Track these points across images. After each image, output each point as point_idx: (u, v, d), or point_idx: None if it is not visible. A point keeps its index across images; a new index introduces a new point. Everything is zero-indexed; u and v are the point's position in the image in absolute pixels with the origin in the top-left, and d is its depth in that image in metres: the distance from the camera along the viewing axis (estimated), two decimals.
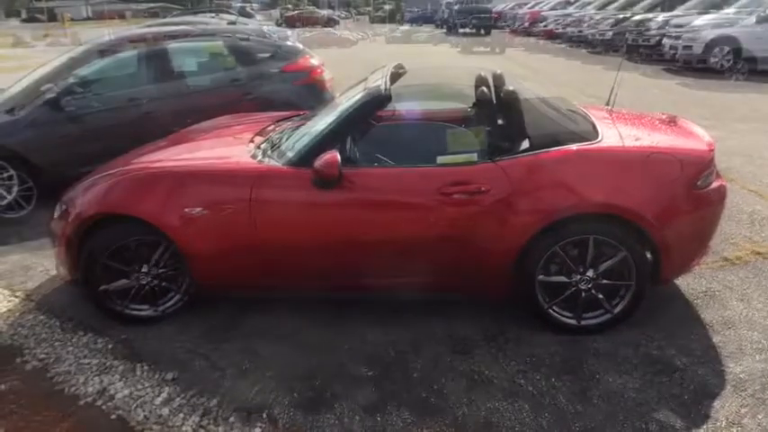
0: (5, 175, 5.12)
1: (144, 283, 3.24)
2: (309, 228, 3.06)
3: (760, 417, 2.51)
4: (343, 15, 63.47)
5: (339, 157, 2.92)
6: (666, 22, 14.38)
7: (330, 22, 47.27)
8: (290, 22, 43.00)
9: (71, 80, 5.55)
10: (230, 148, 3.67)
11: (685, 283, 3.60)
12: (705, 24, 13.03)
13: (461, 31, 29.90)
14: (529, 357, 2.95)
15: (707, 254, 3.36)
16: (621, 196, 2.93)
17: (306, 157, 3.03)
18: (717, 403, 2.60)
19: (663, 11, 16.73)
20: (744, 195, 5.08)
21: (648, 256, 3.02)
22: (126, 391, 2.75)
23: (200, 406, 2.65)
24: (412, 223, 3.01)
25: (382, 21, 54.82)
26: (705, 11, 14.65)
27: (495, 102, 3.83)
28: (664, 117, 3.70)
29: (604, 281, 3.04)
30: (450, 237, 2.98)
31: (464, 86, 4.17)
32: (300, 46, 6.60)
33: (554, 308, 3.10)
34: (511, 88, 3.39)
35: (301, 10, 56.70)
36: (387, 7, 62.21)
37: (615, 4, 19.77)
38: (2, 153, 5.06)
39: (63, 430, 2.54)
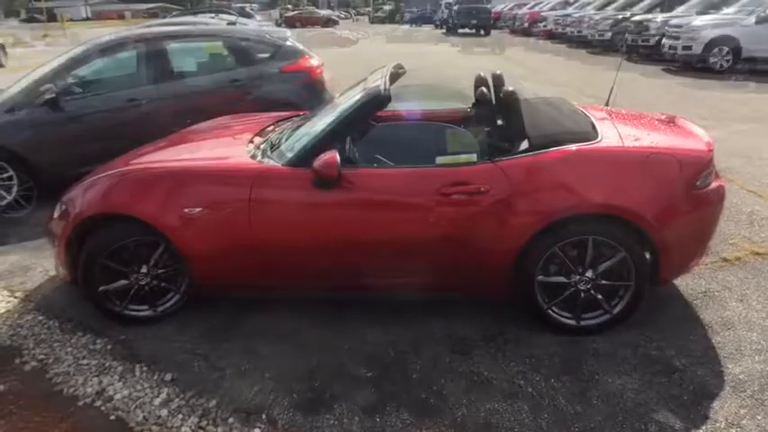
0: (5, 175, 5.13)
1: (143, 283, 3.24)
2: (309, 228, 3.06)
3: (759, 417, 2.51)
4: (342, 16, 63.50)
5: (338, 157, 2.91)
6: (666, 23, 14.38)
7: (330, 23, 47.29)
8: (290, 23, 43.04)
9: (70, 80, 5.56)
10: (230, 148, 3.67)
11: (684, 283, 3.60)
12: (704, 24, 13.03)
13: (461, 31, 29.91)
14: (528, 358, 2.95)
15: (706, 254, 3.36)
16: (621, 197, 2.93)
17: (305, 158, 3.03)
18: (716, 404, 2.60)
19: (662, 11, 16.73)
20: (743, 196, 5.08)
21: (647, 256, 3.02)
22: (125, 392, 2.75)
23: (200, 407, 2.65)
24: (411, 224, 3.00)
25: (382, 21, 54.87)
26: (705, 11, 14.66)
27: (494, 102, 3.84)
28: (663, 117, 3.70)
29: (603, 281, 3.04)
30: (450, 237, 2.98)
31: (463, 87, 4.18)
32: (300, 46, 6.59)
33: (553, 308, 3.10)
34: (510, 89, 3.39)
35: (301, 10, 56.77)
36: (386, 7, 62.23)
37: (614, 5, 19.75)
38: (1, 153, 5.07)
39: (62, 431, 2.54)
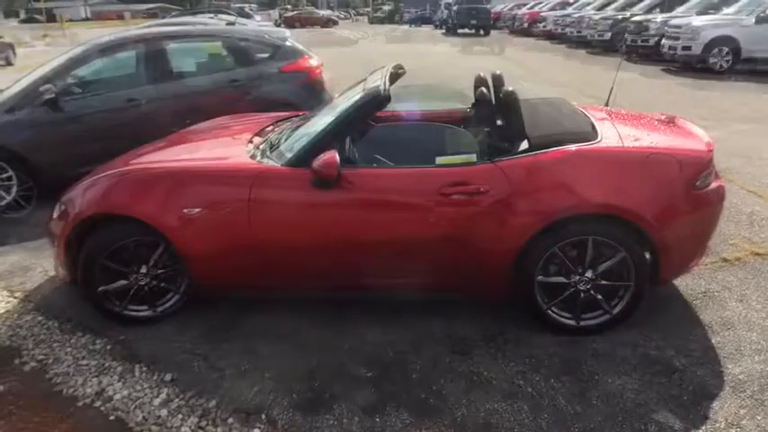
0: (5, 175, 5.12)
1: (143, 283, 3.24)
2: (308, 228, 3.06)
3: (759, 418, 2.51)
4: (342, 16, 63.54)
5: (338, 157, 2.91)
6: (665, 23, 14.38)
7: (329, 23, 47.31)
8: (289, 23, 43.05)
9: (70, 80, 5.56)
10: (229, 148, 3.66)
11: (684, 283, 3.60)
12: (704, 25, 13.03)
13: (460, 31, 29.91)
14: (528, 358, 2.95)
15: (706, 254, 3.36)
16: (620, 197, 2.93)
17: (304, 158, 3.03)
18: (716, 404, 2.60)
19: (662, 11, 16.74)
20: (743, 196, 5.08)
21: (647, 256, 3.02)
22: (124, 392, 2.75)
23: (199, 407, 2.65)
24: (411, 224, 3.00)
25: (381, 21, 54.89)
26: (704, 11, 14.67)
27: (494, 102, 3.83)
28: (663, 117, 3.70)
29: (603, 281, 3.04)
30: (450, 237, 2.98)
31: (463, 87, 4.18)
32: (300, 46, 6.59)
33: (553, 308, 3.10)
34: (510, 89, 3.39)
35: (300, 10, 56.81)
36: (386, 8, 62.27)
37: (614, 5, 19.77)
38: (1, 153, 5.07)
39: (61, 431, 2.54)
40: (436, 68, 14.28)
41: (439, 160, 3.14)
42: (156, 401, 2.69)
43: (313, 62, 6.44)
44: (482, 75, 3.99)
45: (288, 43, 6.45)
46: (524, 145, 3.10)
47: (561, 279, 3.06)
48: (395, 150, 3.42)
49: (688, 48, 13.11)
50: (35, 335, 3.25)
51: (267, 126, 4.00)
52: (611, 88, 3.85)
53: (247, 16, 22.13)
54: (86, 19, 66.80)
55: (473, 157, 3.14)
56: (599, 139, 3.09)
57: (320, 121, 3.35)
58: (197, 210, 3.05)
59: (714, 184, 3.10)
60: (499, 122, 3.72)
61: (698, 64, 13.04)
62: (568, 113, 3.55)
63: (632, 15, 17.16)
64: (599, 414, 2.56)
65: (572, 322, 3.11)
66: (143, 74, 5.71)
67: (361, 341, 3.12)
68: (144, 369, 2.92)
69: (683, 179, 2.97)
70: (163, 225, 3.07)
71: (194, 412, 2.62)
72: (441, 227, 2.97)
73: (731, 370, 2.82)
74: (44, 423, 2.58)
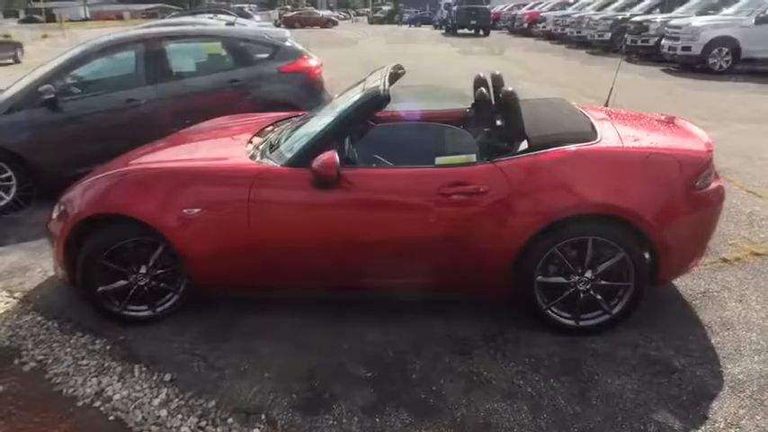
0: (4, 175, 5.13)
1: (142, 284, 3.24)
2: (308, 228, 3.06)
3: (758, 418, 2.51)
4: (341, 16, 63.54)
5: (337, 157, 2.91)
6: (665, 23, 14.39)
7: (329, 23, 47.31)
8: (289, 23, 43.04)
9: (69, 81, 5.56)
10: (229, 148, 3.66)
11: (684, 283, 3.60)
12: (704, 25, 13.03)
13: (460, 31, 29.92)
14: (528, 358, 2.95)
15: (705, 255, 3.36)
16: (620, 197, 2.93)
17: (304, 158, 3.02)
18: (715, 404, 2.60)
19: (662, 12, 16.75)
20: (742, 196, 5.09)
21: (647, 256, 3.02)
22: (124, 393, 2.75)
23: (199, 407, 2.65)
24: (411, 224, 3.00)
25: (381, 22, 54.91)
26: (704, 12, 14.68)
27: (493, 102, 3.83)
28: (662, 117, 3.70)
29: (603, 282, 3.04)
30: (450, 237, 2.98)
31: (463, 87, 4.18)
32: (299, 46, 6.59)
33: (553, 308, 3.10)
34: (510, 89, 3.39)
35: (300, 11, 56.81)
36: (385, 8, 62.29)
37: (614, 5, 19.78)
38: (0, 154, 5.06)
39: (61, 431, 2.54)
40: (436, 69, 14.29)
41: (438, 160, 3.14)
42: (156, 401, 2.69)
43: (312, 62, 6.44)
44: (482, 75, 3.99)
45: (287, 43, 6.45)
46: (524, 145, 3.10)
47: (561, 279, 3.06)
48: (394, 150, 3.42)
49: (688, 48, 13.12)
50: (35, 335, 3.25)
51: (267, 126, 4.00)
52: (611, 88, 3.85)
53: (247, 16, 22.11)
54: (86, 19, 66.77)
55: (473, 158, 3.15)
56: (598, 139, 3.09)
57: (320, 122, 3.35)
58: (196, 210, 3.05)
59: (714, 185, 3.11)
60: (499, 123, 3.72)
61: (697, 64, 13.05)
62: (568, 114, 3.55)
63: (632, 16, 17.17)
64: (598, 414, 2.56)
65: (571, 322, 3.11)
66: (142, 74, 5.71)
67: (361, 341, 3.12)
68: (143, 369, 2.92)
69: (683, 179, 2.97)
70: (162, 225, 3.07)
71: (194, 412, 2.62)
72: (440, 227, 2.97)
73: (730, 370, 2.82)
74: (44, 423, 2.58)
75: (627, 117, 3.67)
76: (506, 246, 2.97)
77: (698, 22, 13.35)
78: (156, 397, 2.72)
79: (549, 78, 12.78)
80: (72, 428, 2.55)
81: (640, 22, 16.05)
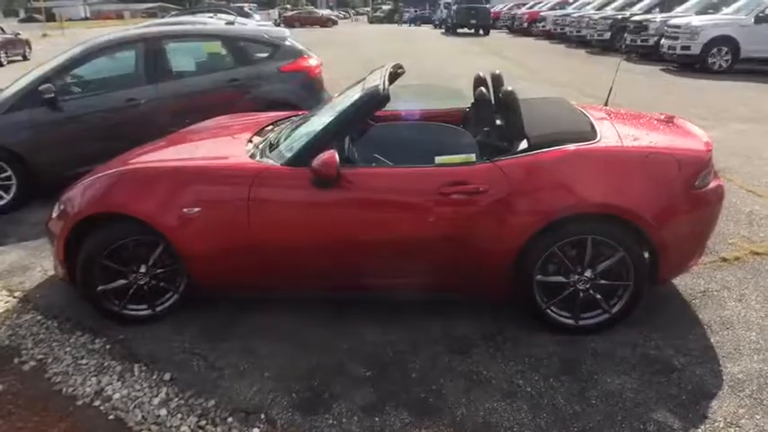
0: (3, 175, 5.13)
1: (142, 283, 3.24)
2: (308, 227, 3.06)
3: (758, 417, 2.51)
4: (341, 15, 63.54)
5: (337, 156, 2.91)
6: (665, 23, 14.39)
7: (329, 23, 47.31)
8: (289, 23, 43.04)
9: (69, 80, 5.56)
10: (228, 147, 3.66)
11: (683, 283, 3.60)
12: (703, 24, 13.03)
13: (460, 31, 29.91)
14: (527, 357, 2.95)
15: (705, 254, 3.36)
16: (620, 196, 2.93)
17: (304, 157, 3.02)
18: (714, 404, 2.60)
19: (661, 11, 16.75)
20: (742, 195, 5.09)
21: (646, 256, 3.02)
22: (123, 392, 2.75)
23: (198, 406, 2.65)
24: (410, 223, 3.00)
25: (380, 21, 54.90)
26: (703, 11, 14.68)
27: (493, 102, 3.83)
28: (662, 117, 3.69)
29: (602, 281, 3.04)
30: (449, 237, 2.98)
31: (462, 86, 4.18)
32: (299, 46, 6.59)
33: (552, 308, 3.10)
34: (509, 88, 3.39)
35: (300, 10, 56.81)
36: (385, 7, 62.27)
37: (614, 5, 19.77)
38: (0, 153, 5.06)
39: (61, 431, 2.54)
40: (435, 68, 14.29)
41: (438, 160, 3.14)
42: (156, 401, 2.69)
43: (312, 62, 6.44)
44: (481, 74, 3.99)
45: (287, 43, 6.45)
46: (524, 144, 3.10)
47: (560, 278, 3.06)
48: (394, 150, 3.42)
49: (687, 47, 13.11)
50: (34, 334, 3.25)
51: (266, 125, 4.00)
52: (611, 88, 3.85)
53: (247, 16, 22.12)
54: (86, 18, 66.79)
55: (472, 157, 3.14)
56: (598, 138, 3.09)
57: (319, 121, 3.35)
58: (196, 209, 3.05)
59: (713, 184, 3.11)
60: (498, 122, 3.72)
61: (697, 64, 13.04)
62: (567, 113, 3.55)
63: (632, 15, 17.16)
64: (598, 413, 2.56)
65: (571, 322, 3.11)
66: (142, 73, 5.71)
67: (361, 341, 3.12)
68: (143, 368, 2.92)
69: (682, 179, 2.98)
70: (162, 224, 3.07)
71: (193, 412, 2.62)
72: (440, 226, 2.97)
73: (730, 369, 2.82)
74: (43, 422, 2.58)
75: (626, 116, 3.67)
76: (506, 245, 2.97)
77: (697, 21, 13.35)
78: (156, 396, 2.72)
79: (549, 78, 12.78)
80: (71, 427, 2.55)
81: (640, 22, 16.05)
